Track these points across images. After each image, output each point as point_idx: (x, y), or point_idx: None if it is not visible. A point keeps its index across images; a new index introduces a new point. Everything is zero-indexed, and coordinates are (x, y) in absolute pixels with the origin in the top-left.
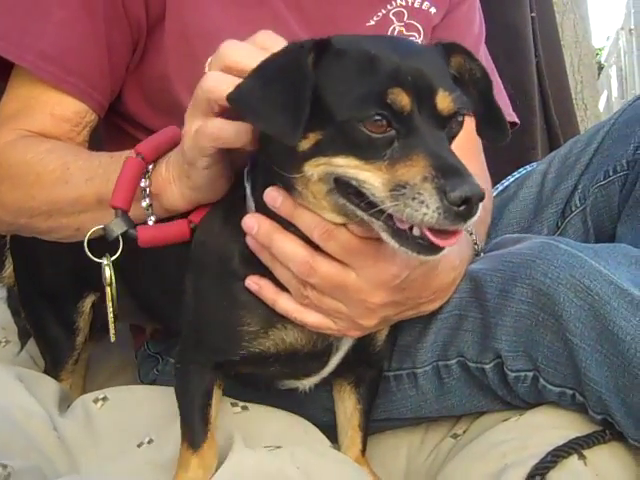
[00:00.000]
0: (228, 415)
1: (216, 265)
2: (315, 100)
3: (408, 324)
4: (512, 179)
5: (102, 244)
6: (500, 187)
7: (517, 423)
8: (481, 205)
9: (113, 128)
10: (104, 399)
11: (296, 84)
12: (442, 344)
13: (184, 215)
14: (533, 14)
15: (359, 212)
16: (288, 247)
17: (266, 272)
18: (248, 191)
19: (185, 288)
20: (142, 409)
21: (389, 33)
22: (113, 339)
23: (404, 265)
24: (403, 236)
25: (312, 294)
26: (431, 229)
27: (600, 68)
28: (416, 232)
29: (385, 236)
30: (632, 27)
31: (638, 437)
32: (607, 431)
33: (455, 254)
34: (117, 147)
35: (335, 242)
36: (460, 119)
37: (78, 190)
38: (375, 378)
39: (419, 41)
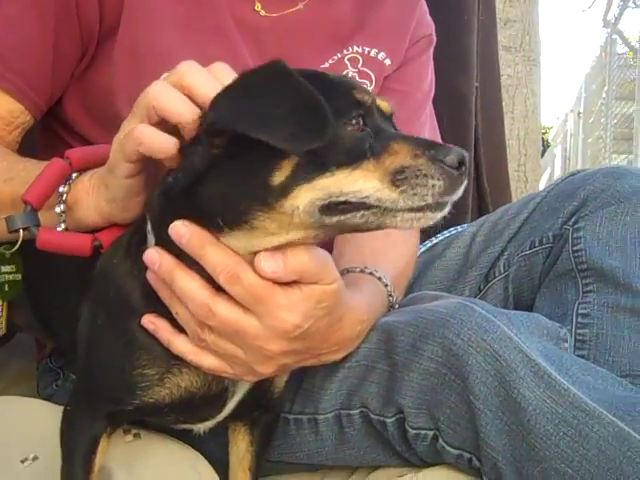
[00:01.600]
0: (119, 445)
1: (114, 298)
2: None
3: (314, 368)
4: (441, 237)
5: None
6: (429, 244)
7: None
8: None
9: (49, 133)
10: None
11: (298, 87)
12: (347, 393)
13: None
14: (477, 84)
15: (358, 216)
16: (189, 286)
17: (165, 311)
18: (149, 224)
19: (81, 315)
20: (32, 423)
21: None
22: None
23: (308, 316)
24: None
25: (209, 337)
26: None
27: (547, 146)
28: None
29: (390, 220)
30: (581, 110)
31: None
32: None
33: (362, 307)
34: (51, 153)
35: (240, 287)
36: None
37: None
38: (271, 422)
39: (369, 89)
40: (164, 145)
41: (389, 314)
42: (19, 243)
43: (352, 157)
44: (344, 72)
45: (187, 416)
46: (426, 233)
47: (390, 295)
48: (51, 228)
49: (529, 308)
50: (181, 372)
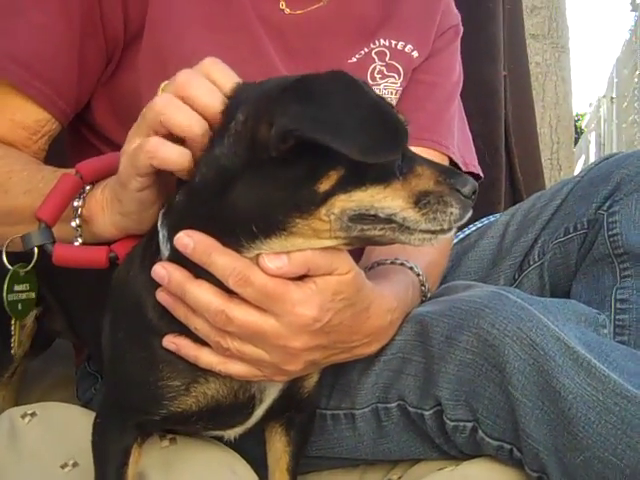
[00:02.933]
0: (155, 450)
1: (132, 314)
2: None
3: (350, 363)
4: (474, 228)
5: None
6: (461, 235)
7: (452, 474)
8: None
9: (78, 138)
10: (33, 414)
11: (368, 97)
12: (383, 386)
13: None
14: (505, 72)
15: (378, 228)
16: (202, 296)
17: (183, 327)
18: (161, 236)
19: (104, 327)
20: (72, 430)
21: (369, 71)
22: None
23: (325, 309)
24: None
25: (232, 344)
26: None
27: (580, 133)
28: None
29: (405, 237)
30: (614, 95)
31: None
32: None
33: (391, 296)
34: (81, 157)
35: (252, 288)
36: None
37: (15, 200)
38: (307, 421)
39: (398, 82)
40: (178, 157)
41: (422, 305)
42: (34, 262)
43: (385, 175)
44: (371, 66)
45: (215, 424)
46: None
47: (423, 285)
48: (66, 244)
49: (566, 295)
50: (207, 380)
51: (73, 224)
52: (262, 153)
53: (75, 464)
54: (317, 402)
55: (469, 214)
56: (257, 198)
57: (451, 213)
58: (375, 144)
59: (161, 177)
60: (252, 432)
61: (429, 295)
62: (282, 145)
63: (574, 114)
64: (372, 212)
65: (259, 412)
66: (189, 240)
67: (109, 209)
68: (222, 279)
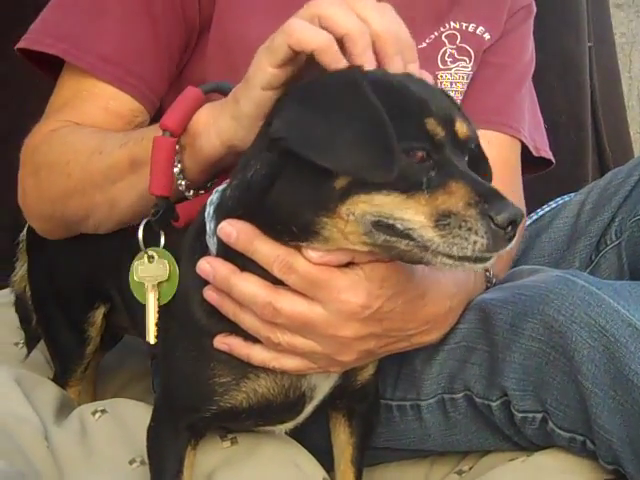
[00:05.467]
0: (217, 451)
1: (182, 311)
2: None
3: (413, 353)
4: (548, 208)
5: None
6: (535, 216)
7: (524, 464)
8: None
9: None
10: (103, 411)
11: (367, 107)
12: (448, 376)
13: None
14: (590, 43)
15: (404, 243)
16: (248, 289)
17: (232, 325)
18: (208, 229)
19: (159, 325)
20: (140, 427)
21: (440, 55)
22: (153, 340)
23: (374, 296)
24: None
25: (283, 338)
26: None
27: None
28: None
29: (431, 258)
30: None
31: None
32: None
33: (450, 283)
34: None
35: (296, 275)
36: (473, 146)
37: (112, 157)
38: (368, 412)
39: (469, 66)
40: (315, 35)
41: (486, 292)
42: (162, 241)
43: (409, 185)
44: (442, 50)
45: (265, 420)
46: (532, 205)
47: (487, 270)
48: (181, 204)
49: None
50: (258, 377)
51: (175, 170)
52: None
53: (143, 462)
54: (375, 393)
55: (505, 246)
56: (291, 195)
57: (475, 242)
58: (366, 163)
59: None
60: (315, 421)
61: (494, 280)
62: (278, 147)
63: None
64: (391, 221)
65: (309, 408)
66: (231, 229)
67: (220, 114)
68: (266, 266)
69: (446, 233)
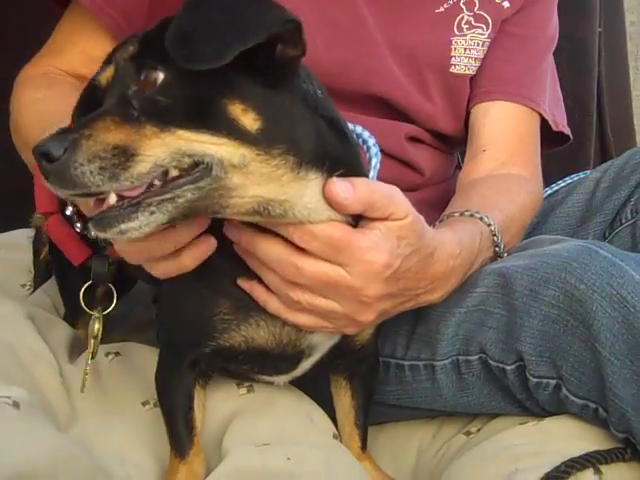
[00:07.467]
0: (233, 397)
1: None
2: None
3: (429, 314)
4: (563, 184)
5: None
6: (549, 191)
7: (534, 428)
8: None
9: None
10: (116, 354)
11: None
12: (464, 338)
13: None
14: (600, 29)
15: None
16: (272, 250)
17: (251, 272)
18: None
19: None
20: (154, 370)
21: (457, 22)
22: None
23: (395, 254)
24: None
25: (303, 297)
26: None
27: None
28: None
29: None
30: None
31: None
32: (629, 449)
33: (454, 242)
34: None
35: (317, 242)
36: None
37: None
38: (368, 373)
39: (485, 33)
40: None
41: (506, 259)
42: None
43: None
44: (459, 16)
45: (261, 368)
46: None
47: (495, 235)
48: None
49: None
50: (258, 326)
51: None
52: None
53: (156, 404)
54: (375, 353)
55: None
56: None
57: None
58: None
59: None
60: (322, 378)
61: (503, 246)
62: None
63: None
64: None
65: (305, 365)
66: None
67: None
68: (287, 236)
69: None
